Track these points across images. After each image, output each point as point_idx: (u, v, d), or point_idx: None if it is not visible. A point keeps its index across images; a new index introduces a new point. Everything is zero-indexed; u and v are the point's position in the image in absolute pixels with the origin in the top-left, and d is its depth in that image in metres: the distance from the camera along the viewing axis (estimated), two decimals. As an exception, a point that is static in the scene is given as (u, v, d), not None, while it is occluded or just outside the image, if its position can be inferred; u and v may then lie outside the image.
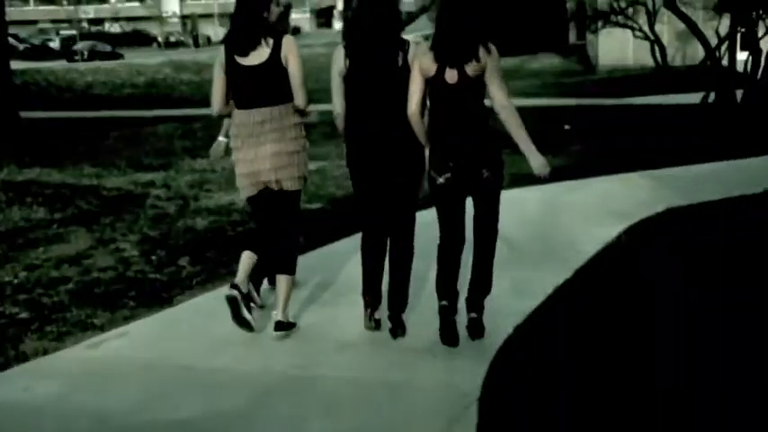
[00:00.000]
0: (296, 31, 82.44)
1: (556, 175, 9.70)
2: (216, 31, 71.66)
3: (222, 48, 4.68)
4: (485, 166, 4.45)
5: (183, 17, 77.28)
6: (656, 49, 25.34)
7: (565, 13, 45.01)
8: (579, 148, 12.50)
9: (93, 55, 50.42)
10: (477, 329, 4.76)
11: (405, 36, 4.65)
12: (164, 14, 72.63)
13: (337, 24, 78.44)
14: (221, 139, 5.29)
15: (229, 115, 4.82)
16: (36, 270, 6.63)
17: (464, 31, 4.34)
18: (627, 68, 30.91)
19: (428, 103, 4.55)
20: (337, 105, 4.66)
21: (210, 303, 5.68)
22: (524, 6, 41.02)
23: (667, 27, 28.15)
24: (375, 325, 4.90)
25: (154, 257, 6.93)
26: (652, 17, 25.03)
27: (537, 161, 4.41)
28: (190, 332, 5.18)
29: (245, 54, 4.55)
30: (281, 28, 4.81)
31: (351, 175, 4.80)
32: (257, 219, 4.98)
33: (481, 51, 4.37)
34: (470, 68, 4.37)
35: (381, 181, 4.66)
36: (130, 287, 6.12)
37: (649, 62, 26.86)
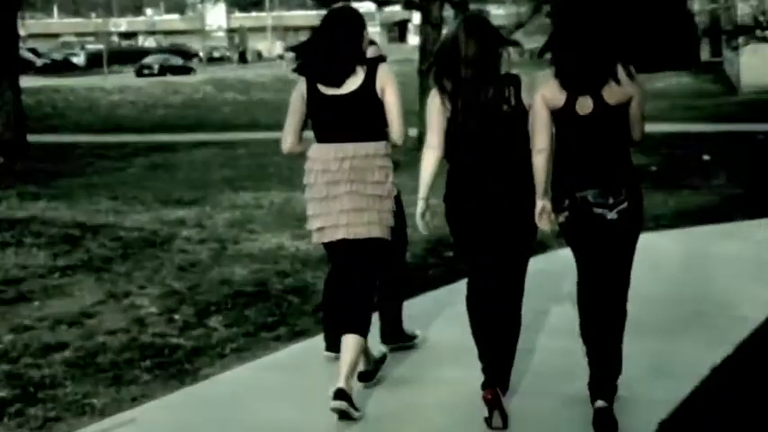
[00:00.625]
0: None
1: (698, 218, 9.53)
2: (270, 46, 72.76)
3: (302, 78, 4.88)
4: (611, 206, 4.45)
5: (230, 31, 78.89)
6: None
7: (694, 28, 44.67)
8: (724, 184, 12.05)
9: (165, 70, 52.45)
10: (607, 424, 4.41)
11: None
12: (207, 28, 74.24)
13: (412, 39, 78.82)
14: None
15: (303, 155, 4.97)
16: (26, 332, 6.33)
17: (598, 48, 4.39)
18: (779, 90, 30.09)
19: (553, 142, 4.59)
20: (433, 138, 4.67)
21: (249, 377, 5.33)
22: (645, 18, 40.81)
23: (833, 43, 27.33)
24: (502, 424, 4.53)
25: (177, 317, 6.62)
26: (815, 32, 24.41)
27: None
28: (220, 418, 4.78)
29: (338, 85, 4.76)
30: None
31: (452, 232, 4.83)
32: (332, 265, 5.21)
33: (622, 74, 4.42)
34: (609, 94, 4.41)
35: (489, 240, 4.67)
36: (144, 356, 5.77)
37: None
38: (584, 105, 4.42)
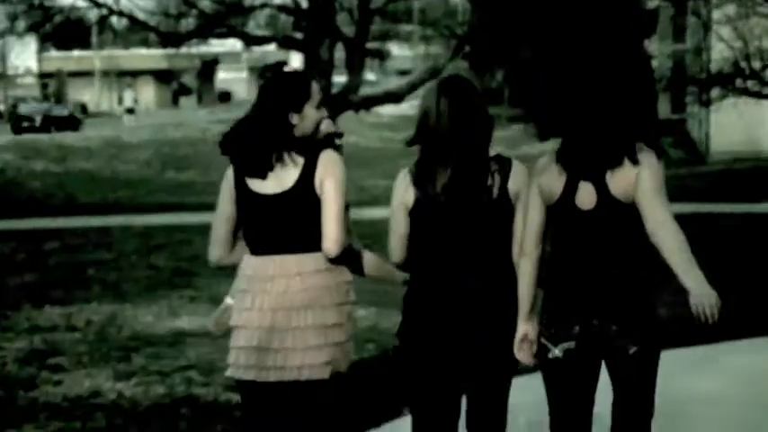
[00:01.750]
0: (225, 96, 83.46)
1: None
2: (99, 96, 72.08)
3: (230, 168, 5.01)
4: (630, 336, 4.63)
5: (43, 76, 78.05)
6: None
7: (651, 78, 45.62)
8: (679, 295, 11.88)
9: (49, 122, 54.46)
10: None
11: (498, 150, 4.88)
12: (11, 72, 73.32)
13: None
14: (228, 301, 5.31)
15: (234, 266, 5.10)
16: None
17: (613, 122, 4.61)
18: (759, 158, 30.75)
19: (547, 241, 4.80)
20: (396, 251, 4.98)
21: None
22: (587, 60, 41.61)
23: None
24: None
25: None
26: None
27: (699, 288, 4.43)
28: None
29: (262, 177, 4.86)
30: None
31: (403, 364, 4.98)
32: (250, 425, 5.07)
33: (636, 155, 4.59)
34: (616, 183, 4.59)
35: (454, 375, 4.85)
36: None
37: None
38: (586, 197, 4.61)
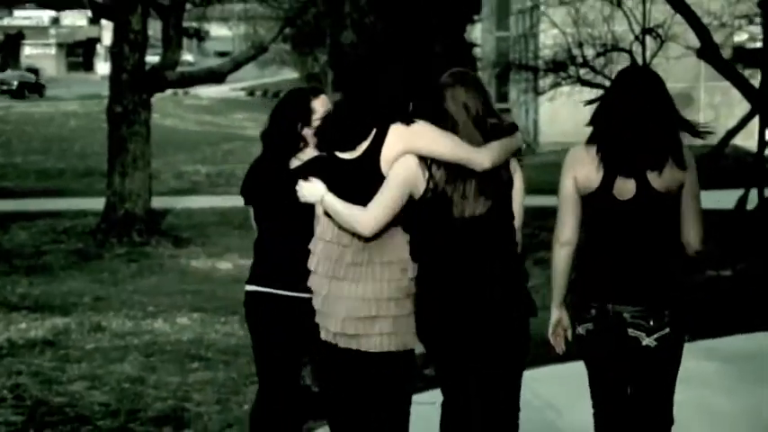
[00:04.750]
0: (32, 72, 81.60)
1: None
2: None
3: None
4: (649, 330, 4.77)
5: None
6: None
7: (473, 63, 45.81)
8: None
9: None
10: None
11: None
12: None
13: (102, 67, 77.44)
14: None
15: None
16: None
17: (657, 124, 4.74)
18: (588, 147, 30.95)
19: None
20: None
21: None
22: (411, 51, 41.64)
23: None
24: None
25: None
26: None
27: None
28: None
29: (346, 148, 5.06)
30: None
31: (423, 340, 5.10)
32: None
33: (678, 158, 4.74)
34: (657, 179, 4.75)
35: (465, 367, 5.00)
36: None
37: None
38: (625, 189, 4.75)
